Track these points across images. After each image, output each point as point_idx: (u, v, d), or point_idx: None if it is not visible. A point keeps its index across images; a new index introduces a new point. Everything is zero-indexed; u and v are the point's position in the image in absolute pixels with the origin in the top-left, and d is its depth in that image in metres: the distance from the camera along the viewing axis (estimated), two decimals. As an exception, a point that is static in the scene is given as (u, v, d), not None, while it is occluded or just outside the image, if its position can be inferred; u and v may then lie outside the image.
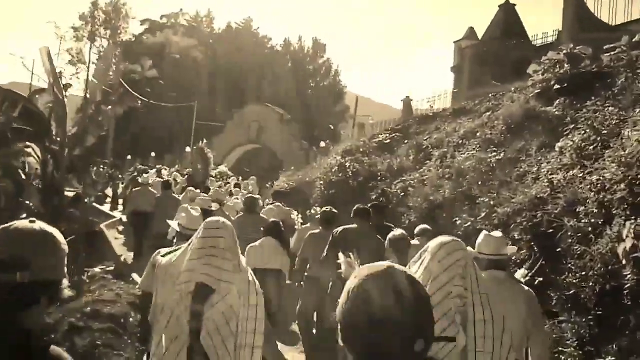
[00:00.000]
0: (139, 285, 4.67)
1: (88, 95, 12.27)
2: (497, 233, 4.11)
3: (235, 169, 27.20)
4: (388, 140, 12.92)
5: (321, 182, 12.74)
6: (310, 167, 16.36)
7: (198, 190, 12.39)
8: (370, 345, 1.37)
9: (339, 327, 1.42)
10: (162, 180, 14.76)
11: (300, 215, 11.38)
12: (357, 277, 1.44)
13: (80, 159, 12.31)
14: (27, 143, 12.33)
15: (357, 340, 1.39)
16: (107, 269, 11.88)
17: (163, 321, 3.40)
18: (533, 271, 6.87)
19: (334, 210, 7.57)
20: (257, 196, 10.73)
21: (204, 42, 55.93)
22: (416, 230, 6.70)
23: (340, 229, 6.55)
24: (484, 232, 4.08)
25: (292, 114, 36.21)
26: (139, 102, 46.71)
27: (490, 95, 12.63)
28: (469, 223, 8.48)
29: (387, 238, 5.23)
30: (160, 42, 54.82)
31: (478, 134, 10.68)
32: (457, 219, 8.75)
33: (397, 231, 5.45)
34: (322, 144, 24.21)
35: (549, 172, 7.83)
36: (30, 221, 1.84)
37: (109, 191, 21.61)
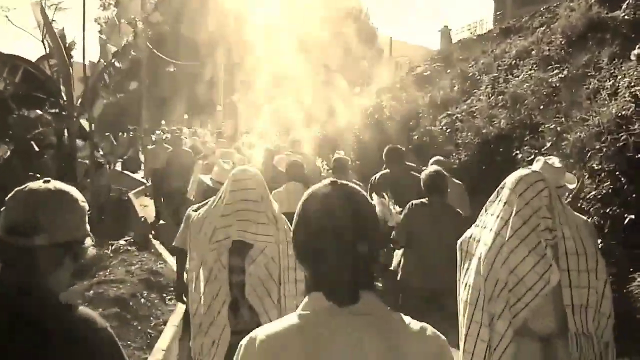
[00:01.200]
0: (175, 241, 4.48)
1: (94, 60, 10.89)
2: (556, 161, 3.72)
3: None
4: (428, 72, 11.41)
5: (355, 126, 11.40)
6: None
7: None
8: (314, 254, 1.44)
9: (293, 242, 1.49)
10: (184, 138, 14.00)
11: (325, 162, 10.79)
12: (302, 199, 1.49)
13: (96, 123, 11.28)
14: (38, 111, 11.44)
15: (304, 255, 1.47)
16: (131, 240, 10.97)
17: (201, 279, 3.34)
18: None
19: (346, 157, 7.28)
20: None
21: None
22: (430, 162, 6.17)
23: (377, 175, 6.35)
24: (541, 159, 3.71)
25: (322, 59, 34.50)
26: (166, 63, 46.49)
27: (542, 9, 10.94)
28: (532, 156, 7.10)
29: (421, 176, 4.92)
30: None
31: (534, 52, 9.12)
32: (517, 152, 7.39)
33: (434, 167, 5.12)
34: (357, 89, 22.58)
35: (631, 85, 6.36)
36: (45, 181, 1.76)
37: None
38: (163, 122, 36.50)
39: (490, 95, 8.82)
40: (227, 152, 9.29)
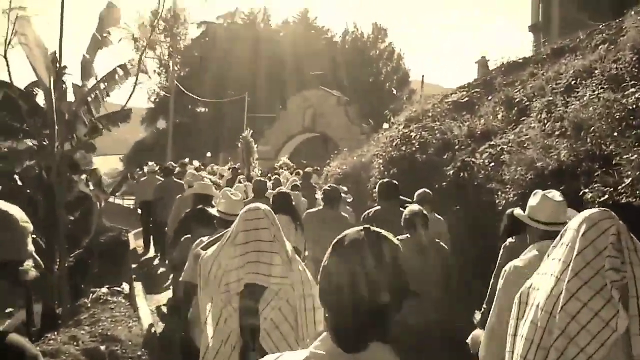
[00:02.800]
0: (182, 276, 4.63)
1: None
2: (556, 194, 3.44)
3: (292, 161, 24.55)
4: (466, 99, 9.79)
5: (379, 160, 9.81)
6: (368, 145, 13.39)
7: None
8: (331, 302, 1.48)
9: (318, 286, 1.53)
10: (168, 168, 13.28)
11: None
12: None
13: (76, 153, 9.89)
14: (28, 142, 10.13)
15: (323, 298, 1.51)
16: (116, 288, 9.44)
17: (210, 323, 3.25)
18: None
19: (337, 187, 7.30)
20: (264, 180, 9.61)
21: (258, 39, 53.89)
22: (416, 196, 6.40)
23: (370, 211, 6.31)
24: (539, 192, 3.49)
25: (353, 101, 33.20)
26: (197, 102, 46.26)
27: (601, 26, 9.29)
28: (606, 196, 5.41)
29: (403, 215, 4.98)
30: (212, 45, 53.78)
31: (597, 71, 7.44)
32: (585, 190, 5.66)
33: (414, 206, 5.11)
34: (385, 125, 21.06)
35: None
36: None
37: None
38: (187, 159, 35.75)
39: (545, 122, 7.12)
40: (202, 182, 8.14)
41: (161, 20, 59.09)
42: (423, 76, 36.65)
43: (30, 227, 1.74)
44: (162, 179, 11.93)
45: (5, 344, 1.58)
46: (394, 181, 6.47)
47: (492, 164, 7.35)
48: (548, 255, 2.68)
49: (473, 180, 7.37)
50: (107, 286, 9.50)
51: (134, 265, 11.86)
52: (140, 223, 13.62)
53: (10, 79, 9.39)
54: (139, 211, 12.85)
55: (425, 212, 4.96)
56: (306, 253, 6.56)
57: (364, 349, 1.41)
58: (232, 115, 44.78)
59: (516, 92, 8.95)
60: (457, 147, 8.31)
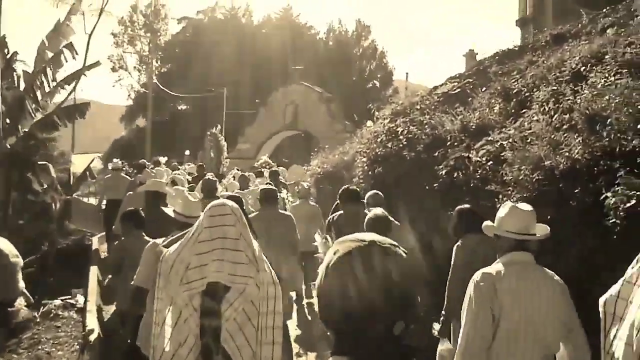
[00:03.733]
0: (135, 280, 4.17)
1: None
2: (526, 206, 3.44)
3: (274, 160, 23.52)
4: (457, 90, 8.87)
5: (363, 158, 8.86)
6: (351, 142, 12.44)
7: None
8: (346, 325, 1.31)
9: (317, 302, 1.36)
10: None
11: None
12: (336, 253, 1.35)
13: (26, 150, 8.82)
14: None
15: (333, 319, 1.33)
16: (69, 301, 8.42)
17: (169, 323, 3.07)
18: None
19: (273, 187, 7.30)
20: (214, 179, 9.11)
21: (240, 34, 52.68)
22: (367, 197, 6.46)
23: (334, 216, 6.43)
24: (509, 204, 3.49)
25: (336, 99, 32.21)
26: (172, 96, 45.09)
27: (606, 9, 8.44)
28: (632, 201, 4.52)
29: (366, 219, 4.91)
30: (193, 40, 52.55)
31: (608, 56, 6.56)
32: (607, 194, 4.76)
33: (377, 210, 5.05)
34: (369, 123, 20.08)
35: None
36: None
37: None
38: (164, 158, 34.56)
39: (551, 113, 6.22)
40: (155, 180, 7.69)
41: (141, 15, 58.08)
42: (407, 73, 36.06)
43: (20, 262, 1.30)
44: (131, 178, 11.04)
45: None
46: (356, 188, 6.58)
47: (491, 162, 6.42)
48: (637, 261, 2.54)
49: (469, 181, 6.45)
50: (61, 298, 8.50)
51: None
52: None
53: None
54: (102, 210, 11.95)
55: (389, 216, 4.77)
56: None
57: None
58: (213, 113, 43.63)
59: (514, 82, 8.04)
60: (449, 143, 7.38)
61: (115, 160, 14.62)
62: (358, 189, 6.44)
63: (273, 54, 49.24)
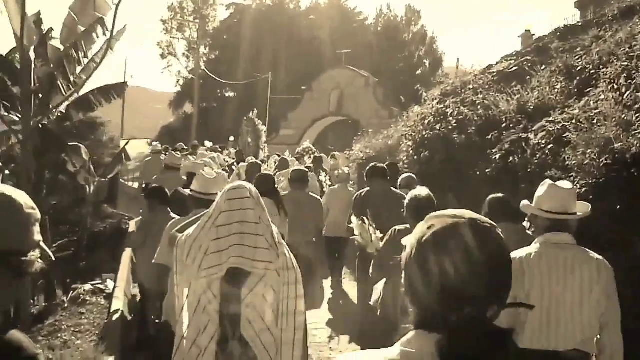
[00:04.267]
0: (155, 258, 4.39)
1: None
2: (565, 184, 3.33)
3: (317, 147, 23.03)
4: (514, 69, 8.16)
5: (409, 141, 8.28)
6: (396, 125, 11.83)
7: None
8: (441, 303, 1.24)
9: (404, 276, 1.32)
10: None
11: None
12: (430, 228, 1.28)
13: (61, 130, 8.58)
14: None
15: (425, 295, 1.26)
16: (98, 286, 8.18)
17: (189, 311, 2.98)
18: None
19: (304, 169, 7.28)
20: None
21: (287, 20, 52.24)
22: (400, 179, 6.50)
23: (361, 191, 6.45)
24: (548, 182, 3.31)
25: (383, 85, 31.38)
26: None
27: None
28: None
29: (408, 200, 4.45)
30: (241, 26, 52.42)
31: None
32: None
33: (422, 192, 4.49)
34: (416, 108, 19.30)
35: None
36: None
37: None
38: (210, 143, 34.59)
39: (622, 91, 5.51)
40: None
41: (190, 1, 58.36)
42: (458, 59, 34.80)
43: (37, 214, 1.57)
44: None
45: (4, 341, 1.46)
46: (383, 165, 6.50)
47: (552, 145, 5.77)
48: None
49: (526, 166, 5.82)
50: (91, 283, 8.28)
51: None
52: None
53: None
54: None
55: (433, 197, 4.47)
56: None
57: None
58: (259, 99, 43.60)
59: (577, 59, 7.31)
60: (504, 124, 6.74)
61: (154, 143, 14.47)
62: (385, 166, 6.37)
63: (321, 40, 48.70)
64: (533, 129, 6.27)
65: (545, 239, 3.14)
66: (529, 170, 5.75)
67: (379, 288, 4.73)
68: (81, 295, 7.69)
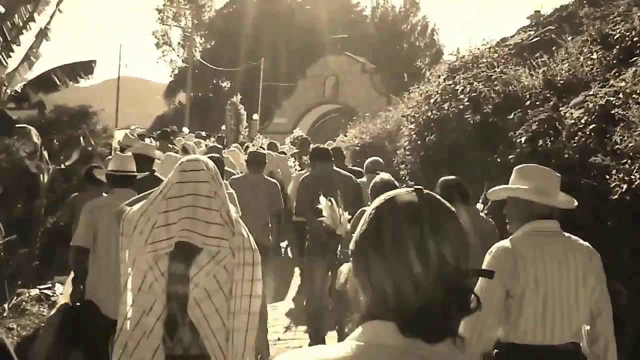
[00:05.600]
0: (73, 240, 4.30)
1: None
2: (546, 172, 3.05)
3: (311, 135, 21.85)
4: (535, 39, 6.96)
5: (411, 124, 7.10)
6: (395, 108, 10.61)
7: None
8: (396, 272, 1.12)
9: (356, 258, 1.19)
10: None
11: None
12: (393, 200, 1.22)
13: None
14: None
15: (384, 280, 1.14)
16: (45, 291, 7.11)
17: (132, 289, 2.83)
18: None
19: (262, 152, 7.36)
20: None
21: (283, 10, 51.11)
22: (366, 162, 6.59)
23: (306, 174, 6.60)
24: (525, 164, 3.17)
25: (380, 72, 30.13)
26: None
27: None
28: None
29: (371, 184, 4.79)
30: (237, 16, 51.38)
31: None
32: None
33: (384, 175, 4.91)
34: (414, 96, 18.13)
35: None
36: None
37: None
38: (204, 133, 33.53)
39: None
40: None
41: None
42: (458, 48, 33.45)
43: None
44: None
45: None
46: (326, 147, 6.79)
47: (594, 125, 4.57)
48: None
49: (561, 152, 4.64)
50: (39, 287, 7.13)
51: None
52: None
53: None
54: None
55: (395, 183, 4.70)
56: None
57: (444, 340, 1.09)
58: (255, 88, 42.55)
59: (614, 26, 6.11)
60: (528, 102, 5.54)
61: (133, 127, 13.73)
62: (328, 148, 6.59)
63: (317, 30, 47.49)
64: (568, 106, 5.07)
65: (532, 227, 2.89)
66: (565, 156, 4.56)
67: (344, 271, 4.24)
68: (23, 303, 6.58)
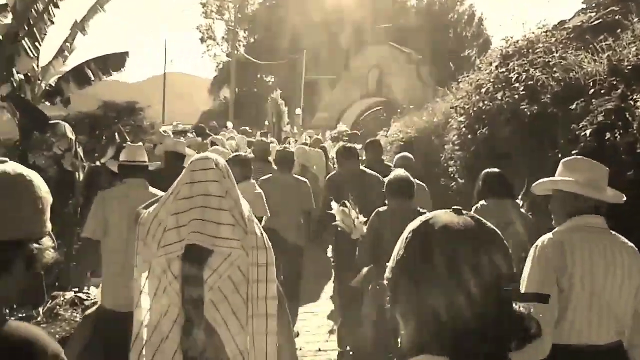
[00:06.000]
0: (83, 231, 4.22)
1: None
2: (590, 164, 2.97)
3: (355, 129, 21.43)
4: (598, 21, 6.38)
5: (460, 116, 6.63)
6: (442, 100, 10.10)
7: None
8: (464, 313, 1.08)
9: (397, 283, 1.17)
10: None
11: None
12: (432, 220, 1.18)
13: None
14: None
15: (433, 307, 1.11)
16: (80, 295, 6.96)
17: (146, 292, 2.79)
18: None
19: (290, 151, 7.22)
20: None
21: (328, 3, 50.81)
22: (395, 158, 6.47)
23: (332, 174, 6.65)
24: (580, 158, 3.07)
25: (426, 63, 29.36)
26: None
27: None
28: None
29: (386, 182, 4.62)
30: (280, 9, 51.37)
31: None
32: None
33: (399, 172, 4.70)
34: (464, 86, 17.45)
35: None
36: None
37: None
38: (248, 129, 33.59)
39: None
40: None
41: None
42: (512, 37, 32.43)
43: (50, 199, 1.41)
44: None
45: (17, 337, 1.26)
46: (352, 145, 6.53)
47: (671, 115, 4.04)
48: None
49: (634, 145, 4.12)
50: (75, 290, 6.98)
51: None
52: None
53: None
54: None
55: (411, 179, 4.60)
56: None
57: None
58: (298, 82, 42.46)
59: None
60: (592, 90, 5.00)
61: (175, 122, 13.66)
62: (353, 146, 6.46)
63: (360, 21, 47.01)
64: (633, 96, 4.52)
65: (578, 222, 2.83)
66: (638, 150, 4.04)
67: (362, 274, 4.66)
68: (57, 307, 6.43)
